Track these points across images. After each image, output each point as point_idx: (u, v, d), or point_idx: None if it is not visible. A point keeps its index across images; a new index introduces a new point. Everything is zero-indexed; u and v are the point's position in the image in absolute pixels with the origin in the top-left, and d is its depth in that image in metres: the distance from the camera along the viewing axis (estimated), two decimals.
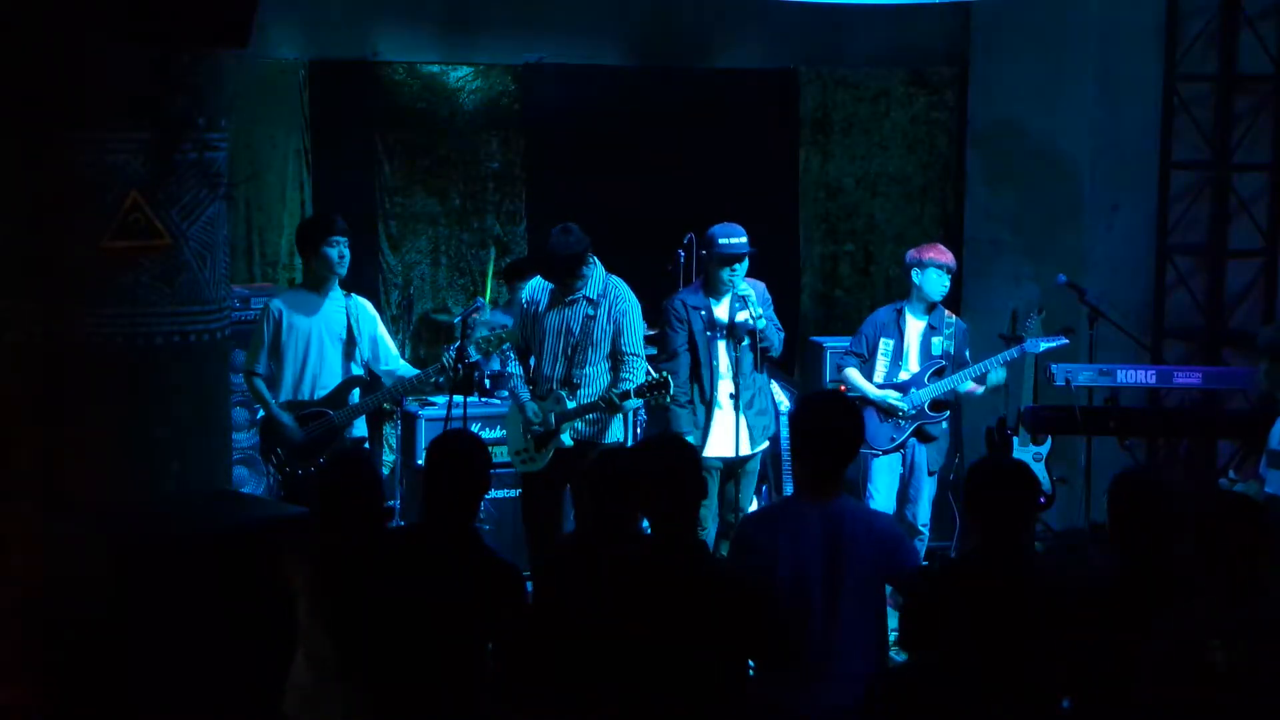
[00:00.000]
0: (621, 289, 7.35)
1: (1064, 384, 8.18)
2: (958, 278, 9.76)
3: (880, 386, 7.92)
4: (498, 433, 8.16)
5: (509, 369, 7.53)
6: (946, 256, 7.95)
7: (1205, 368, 8.74)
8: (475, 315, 7.84)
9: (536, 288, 7.46)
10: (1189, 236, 9.28)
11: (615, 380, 7.28)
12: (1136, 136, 9.23)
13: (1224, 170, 9.14)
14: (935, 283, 7.89)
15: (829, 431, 5.02)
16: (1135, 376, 8.34)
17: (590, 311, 7.25)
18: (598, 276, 7.31)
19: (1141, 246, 9.28)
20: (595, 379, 7.27)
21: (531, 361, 7.47)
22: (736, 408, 7.50)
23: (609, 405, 7.19)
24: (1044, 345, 8.05)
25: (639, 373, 7.28)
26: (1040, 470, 8.15)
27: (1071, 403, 8.24)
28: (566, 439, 7.26)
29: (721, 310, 7.57)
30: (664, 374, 7.22)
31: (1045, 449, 8.29)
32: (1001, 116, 9.88)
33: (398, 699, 4.68)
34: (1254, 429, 7.75)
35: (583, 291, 7.26)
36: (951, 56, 10.39)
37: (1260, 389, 7.67)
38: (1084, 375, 8.24)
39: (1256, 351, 7.36)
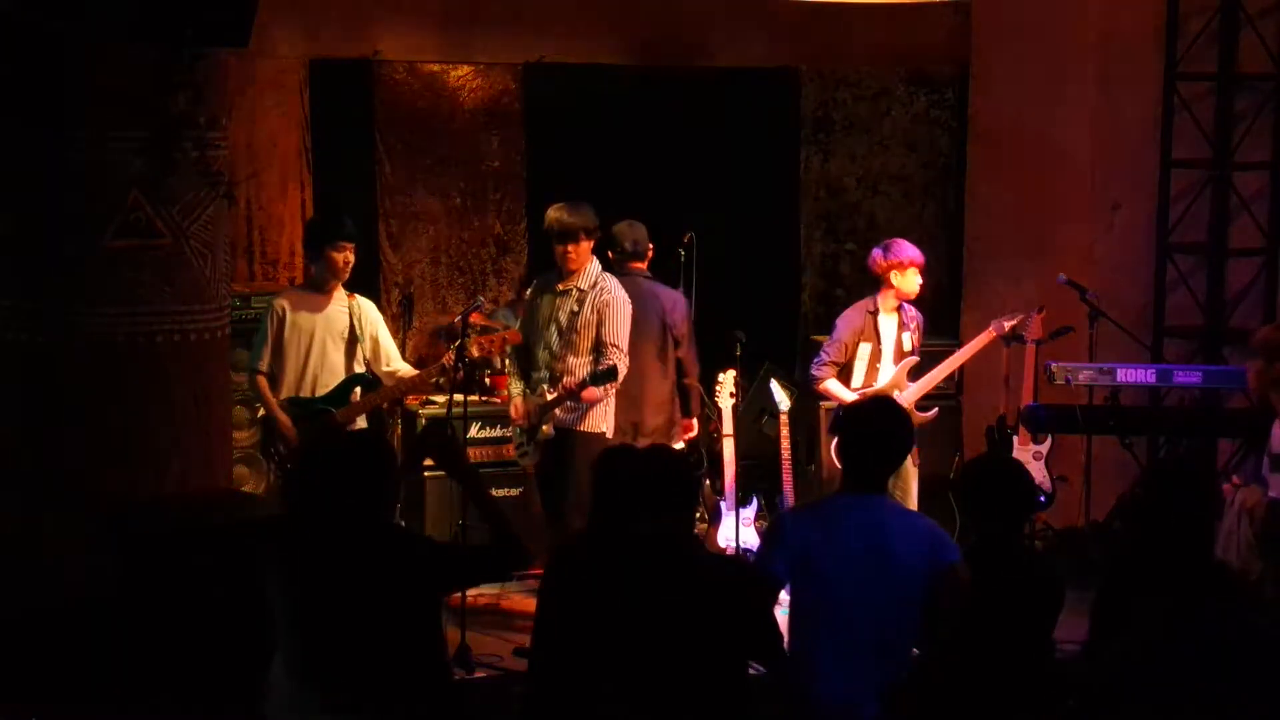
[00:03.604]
0: (610, 282, 7.34)
1: (1064, 383, 8.17)
2: (958, 275, 9.79)
3: (859, 391, 7.91)
4: (497, 432, 8.16)
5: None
6: (917, 252, 8.01)
7: (1205, 367, 8.72)
8: (480, 313, 7.84)
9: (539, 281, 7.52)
10: (1189, 235, 9.26)
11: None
12: (1137, 136, 9.22)
13: (1224, 169, 9.13)
14: (913, 281, 7.96)
15: (879, 435, 5.01)
16: (1135, 375, 8.32)
17: (576, 307, 7.25)
18: (592, 270, 7.32)
19: (1142, 245, 9.26)
20: (576, 370, 7.24)
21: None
22: None
23: (569, 395, 7.15)
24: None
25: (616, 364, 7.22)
26: (1040, 469, 8.15)
27: (1071, 401, 8.23)
28: (552, 430, 7.26)
29: None
30: (611, 364, 7.13)
31: (1045, 448, 8.29)
32: (1002, 115, 9.87)
33: (365, 699, 4.57)
34: (1254, 428, 7.74)
35: (575, 283, 7.28)
36: (952, 55, 10.38)
37: (1248, 387, 7.67)
38: (1084, 374, 8.23)
39: (1250, 350, 7.35)
